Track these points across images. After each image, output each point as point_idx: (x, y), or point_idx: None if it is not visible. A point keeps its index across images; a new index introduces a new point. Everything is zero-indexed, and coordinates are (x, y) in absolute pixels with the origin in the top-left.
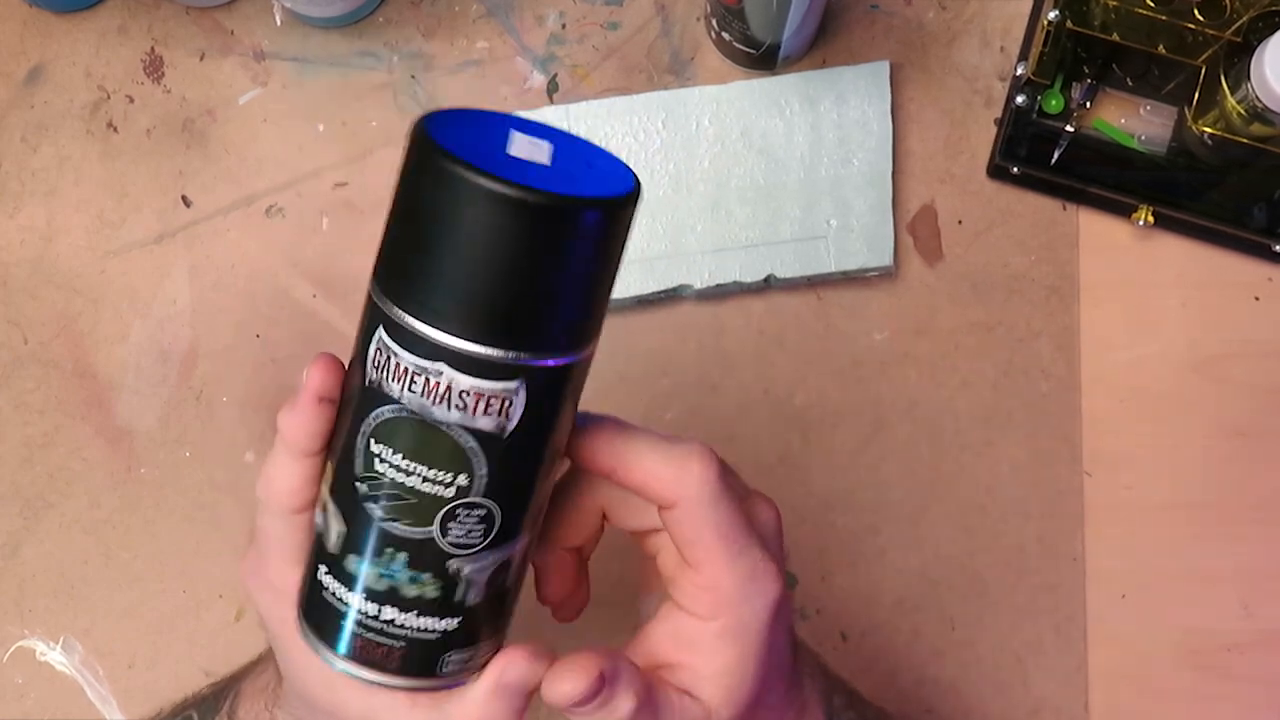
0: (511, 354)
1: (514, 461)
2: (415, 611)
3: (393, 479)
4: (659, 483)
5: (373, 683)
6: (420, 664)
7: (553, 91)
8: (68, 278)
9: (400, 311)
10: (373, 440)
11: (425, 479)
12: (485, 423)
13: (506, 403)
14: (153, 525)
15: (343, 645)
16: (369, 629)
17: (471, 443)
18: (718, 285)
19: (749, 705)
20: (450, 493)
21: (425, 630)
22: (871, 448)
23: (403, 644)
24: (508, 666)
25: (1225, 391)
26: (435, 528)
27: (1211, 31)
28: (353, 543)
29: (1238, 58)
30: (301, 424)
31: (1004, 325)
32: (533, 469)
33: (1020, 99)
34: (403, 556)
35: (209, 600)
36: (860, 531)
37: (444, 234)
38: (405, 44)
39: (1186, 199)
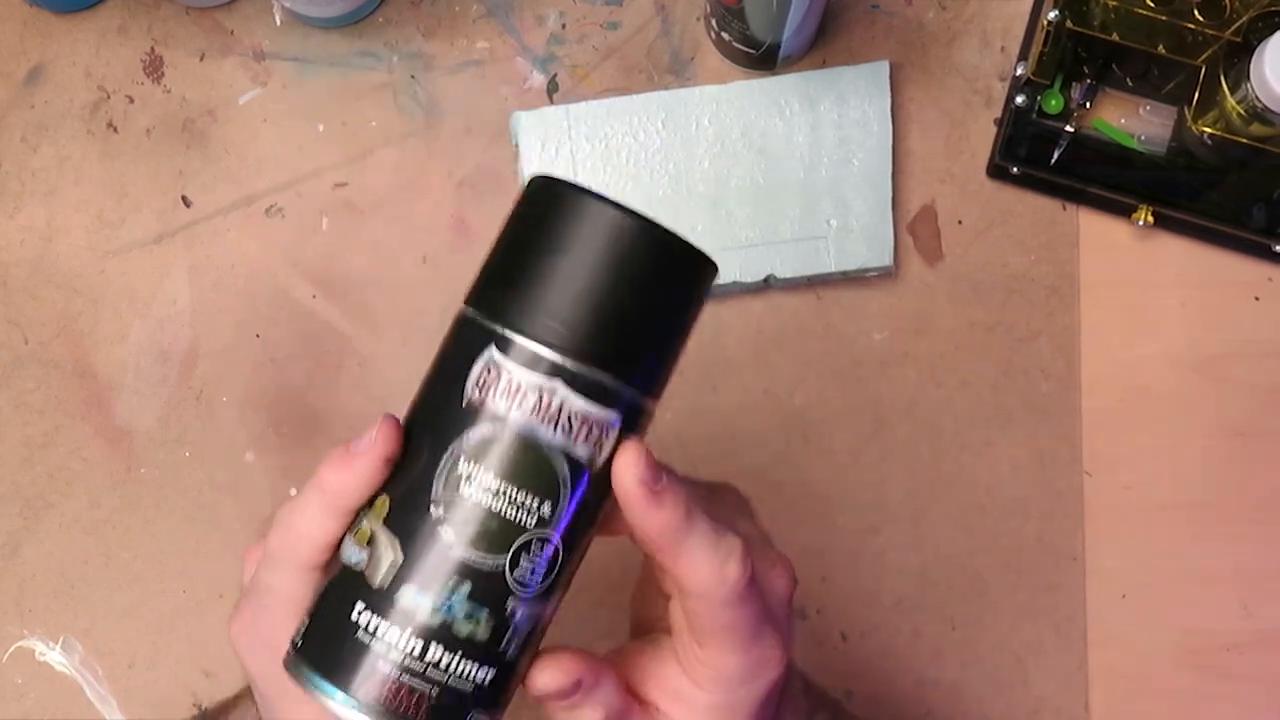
0: (620, 384)
1: (590, 499)
2: (461, 653)
3: (477, 501)
4: (694, 575)
5: None
6: (447, 719)
7: (553, 91)
8: (68, 278)
9: (518, 333)
10: (463, 460)
11: (512, 502)
12: (583, 450)
13: (604, 433)
14: (153, 525)
15: (368, 691)
16: (406, 671)
17: (565, 469)
18: (718, 285)
19: None
20: (532, 521)
21: (464, 678)
22: (871, 448)
23: (436, 691)
24: None
25: (1225, 391)
26: (508, 558)
27: (1211, 31)
28: (411, 572)
29: (1238, 58)
30: (358, 483)
31: (1004, 325)
32: (595, 516)
33: (1020, 99)
34: (466, 588)
35: (209, 600)
36: (860, 531)
37: (581, 267)
38: (405, 44)
39: (1186, 199)
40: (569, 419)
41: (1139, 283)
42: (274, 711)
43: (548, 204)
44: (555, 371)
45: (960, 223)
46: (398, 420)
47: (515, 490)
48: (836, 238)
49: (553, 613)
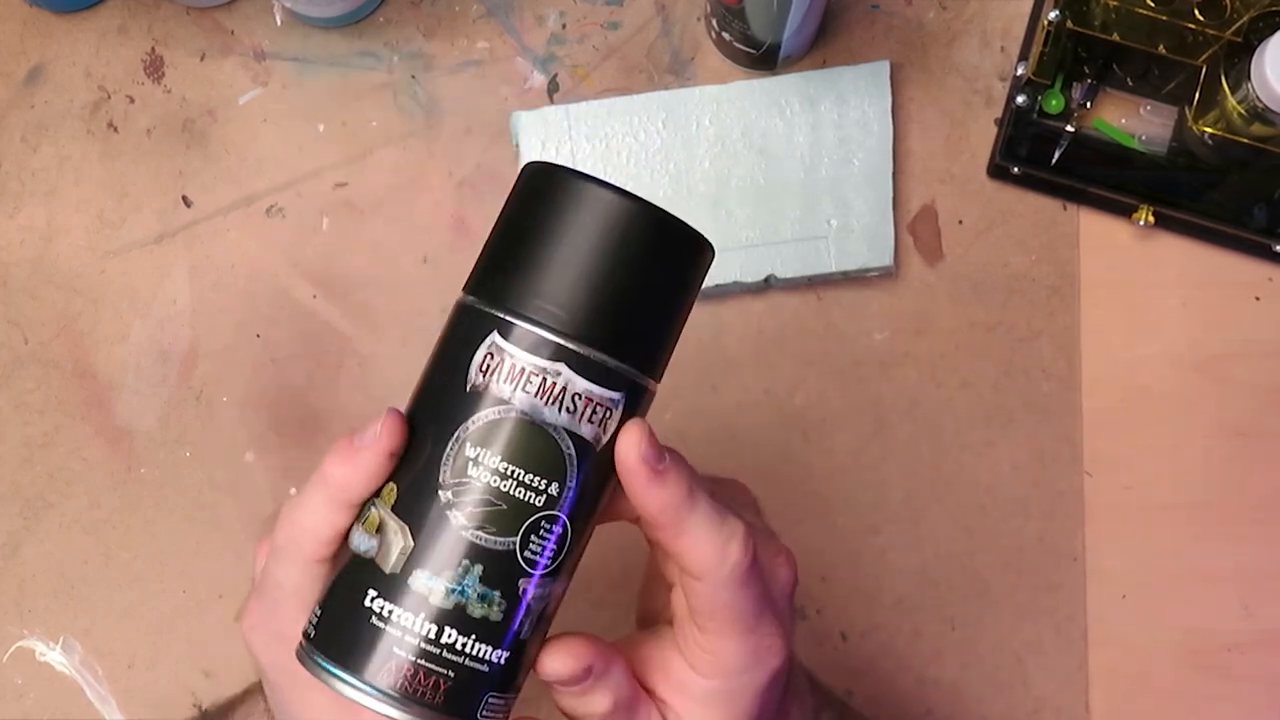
0: (621, 364)
1: (595, 479)
2: (475, 635)
3: (486, 483)
4: (695, 554)
5: None
6: (463, 701)
7: (553, 91)
8: (68, 278)
9: (520, 318)
10: (469, 444)
11: (520, 483)
12: (587, 430)
13: (608, 413)
14: (153, 525)
15: (384, 677)
16: (423, 655)
17: (570, 449)
18: (718, 285)
19: None
20: (540, 501)
21: (479, 660)
22: (871, 448)
23: (452, 675)
24: None
25: (1225, 391)
26: (518, 539)
27: (1212, 31)
28: (422, 557)
29: (1238, 58)
30: (362, 477)
31: (1004, 325)
32: (600, 496)
33: (1020, 99)
34: (478, 570)
35: (209, 600)
36: (860, 531)
37: (580, 250)
38: (405, 44)
39: (1187, 199)
40: (573, 400)
41: (1139, 283)
42: (285, 703)
43: (544, 189)
44: (558, 354)
45: (961, 223)
46: (401, 414)
47: (522, 471)
48: (837, 238)
49: (562, 592)
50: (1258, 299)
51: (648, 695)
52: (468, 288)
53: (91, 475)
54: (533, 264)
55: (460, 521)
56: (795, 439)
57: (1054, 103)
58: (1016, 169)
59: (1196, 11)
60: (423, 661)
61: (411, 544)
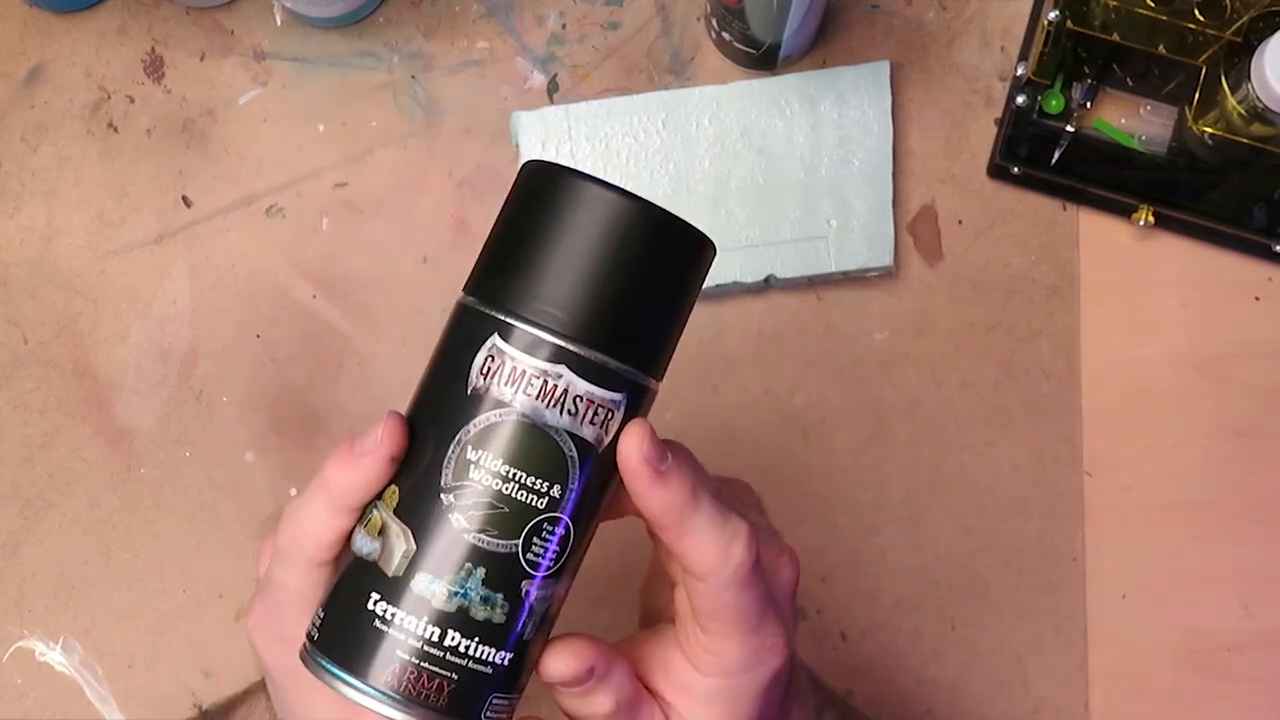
0: (623, 365)
1: (597, 480)
2: (479, 638)
3: (487, 486)
4: (698, 554)
5: None
6: (467, 703)
7: (553, 91)
8: (68, 278)
9: (521, 320)
10: (470, 447)
11: (522, 486)
12: (589, 431)
13: (610, 414)
14: (153, 525)
15: (387, 680)
16: (426, 657)
17: (572, 450)
18: (718, 285)
19: None
20: (543, 503)
21: (482, 661)
22: (871, 448)
23: (456, 677)
24: None
25: (1225, 391)
26: (520, 541)
27: (1212, 31)
28: (425, 560)
29: (1238, 58)
30: (363, 481)
31: (1004, 325)
32: (602, 496)
33: (1020, 99)
34: (480, 573)
35: (209, 600)
36: (860, 531)
37: (579, 250)
38: (405, 44)
39: (1186, 199)
40: (574, 402)
41: (1139, 283)
42: (289, 703)
43: (543, 189)
44: (559, 356)
45: (960, 223)
46: (403, 418)
47: (524, 474)
48: (837, 238)
49: (565, 592)
50: (1257, 299)
51: (650, 695)
52: (468, 288)
53: (91, 475)
54: (533, 265)
55: (462, 524)
56: (795, 439)
57: (1054, 103)
58: (1016, 169)
59: (1196, 11)
60: (426, 664)
61: (414, 547)
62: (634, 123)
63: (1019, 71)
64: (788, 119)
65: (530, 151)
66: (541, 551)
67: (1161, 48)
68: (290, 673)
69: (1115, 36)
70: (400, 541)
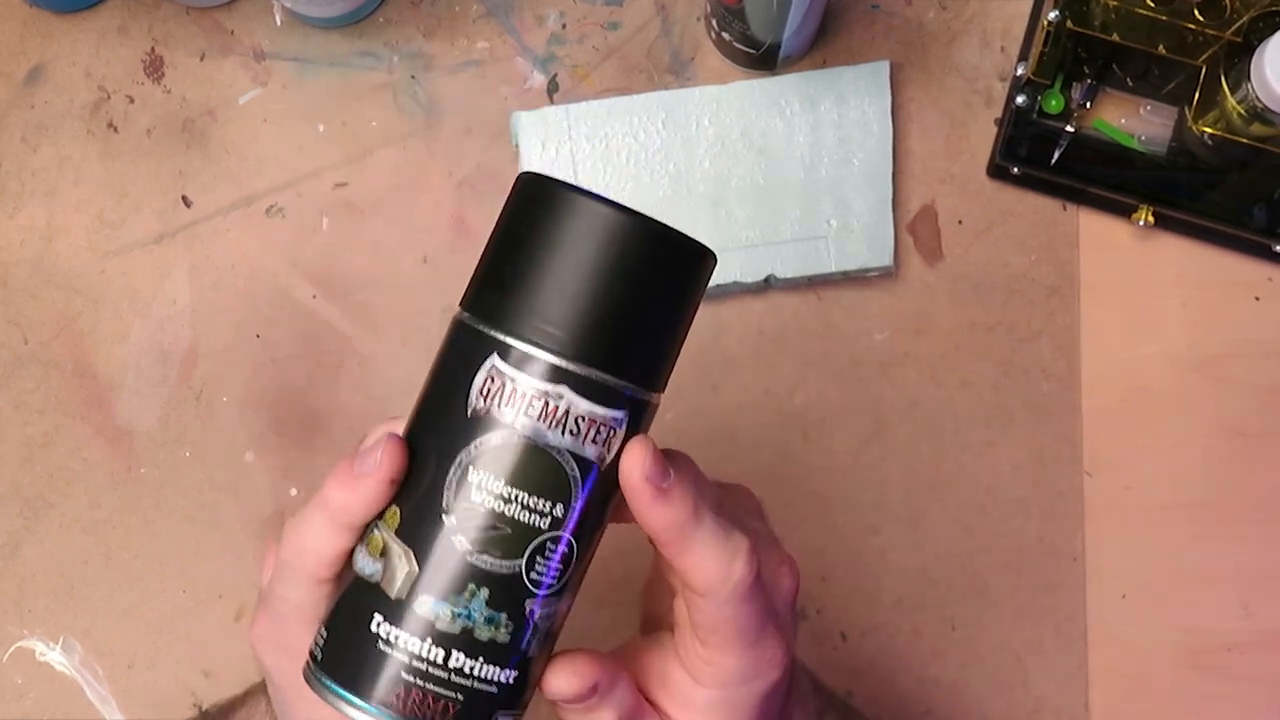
0: (624, 383)
1: (599, 496)
2: (483, 658)
3: (489, 508)
4: (699, 572)
5: None
6: None
7: (553, 91)
8: (68, 278)
9: (520, 340)
10: (471, 469)
11: (525, 506)
12: (591, 450)
13: (612, 432)
14: (153, 525)
15: (392, 701)
16: (430, 679)
17: (574, 470)
18: (718, 285)
19: None
20: (545, 523)
21: (487, 681)
22: (871, 448)
23: (461, 698)
24: None
25: (1225, 391)
26: (523, 561)
27: (1212, 31)
28: (428, 582)
29: (1238, 58)
30: (363, 502)
31: (1004, 325)
32: (604, 512)
33: (1020, 99)
34: (484, 594)
35: (209, 600)
36: (860, 531)
37: (578, 268)
38: (405, 44)
39: (1186, 199)
40: (576, 421)
41: (1139, 283)
42: (290, 711)
43: (539, 203)
44: (559, 376)
45: (960, 223)
46: (402, 440)
47: (526, 495)
48: (837, 238)
49: (569, 607)
50: (1257, 299)
51: (650, 707)
52: (465, 304)
53: (91, 475)
54: (530, 282)
55: (465, 546)
56: (795, 439)
57: (1054, 103)
58: (1016, 169)
59: (1196, 11)
60: (430, 685)
61: (416, 570)
62: (634, 123)
63: (1019, 71)
64: (788, 119)
65: (530, 151)
66: (545, 570)
67: (1161, 48)
68: (293, 684)
69: (1115, 36)
70: (402, 563)
